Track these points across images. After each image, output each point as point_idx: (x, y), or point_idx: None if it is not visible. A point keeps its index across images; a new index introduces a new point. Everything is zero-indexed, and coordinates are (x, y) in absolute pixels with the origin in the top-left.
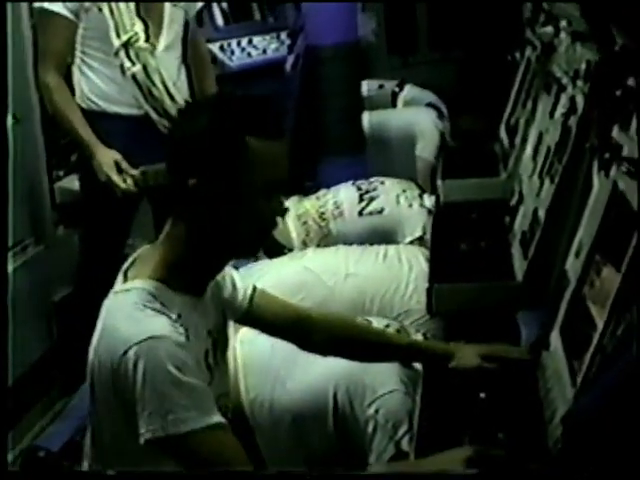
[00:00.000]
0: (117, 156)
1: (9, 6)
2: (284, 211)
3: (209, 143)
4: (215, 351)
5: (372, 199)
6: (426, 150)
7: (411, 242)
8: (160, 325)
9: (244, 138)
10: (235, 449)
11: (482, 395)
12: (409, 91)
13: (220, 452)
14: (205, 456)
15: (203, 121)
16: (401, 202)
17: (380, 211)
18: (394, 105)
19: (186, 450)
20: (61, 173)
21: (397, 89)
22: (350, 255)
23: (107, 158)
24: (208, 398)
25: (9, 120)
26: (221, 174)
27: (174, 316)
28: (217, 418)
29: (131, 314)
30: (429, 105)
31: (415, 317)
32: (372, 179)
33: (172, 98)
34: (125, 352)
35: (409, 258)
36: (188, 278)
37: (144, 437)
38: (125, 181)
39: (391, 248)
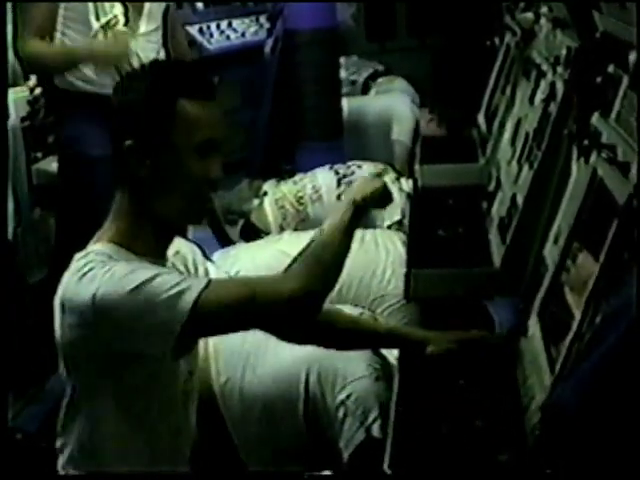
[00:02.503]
0: None
1: None
2: (219, 174)
3: (143, 106)
4: None
5: (350, 183)
6: (402, 134)
7: (390, 226)
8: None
9: (175, 100)
10: (240, 285)
11: (459, 382)
12: (381, 84)
13: (231, 294)
14: (226, 305)
15: (138, 86)
16: None
17: None
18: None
19: (207, 314)
20: (39, 155)
21: (370, 81)
22: None
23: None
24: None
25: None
26: (154, 135)
27: None
28: (203, 279)
29: (89, 272)
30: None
31: (391, 302)
32: (349, 163)
33: None
34: (93, 302)
35: (386, 243)
36: (145, 241)
37: (173, 334)
38: None
39: (368, 232)
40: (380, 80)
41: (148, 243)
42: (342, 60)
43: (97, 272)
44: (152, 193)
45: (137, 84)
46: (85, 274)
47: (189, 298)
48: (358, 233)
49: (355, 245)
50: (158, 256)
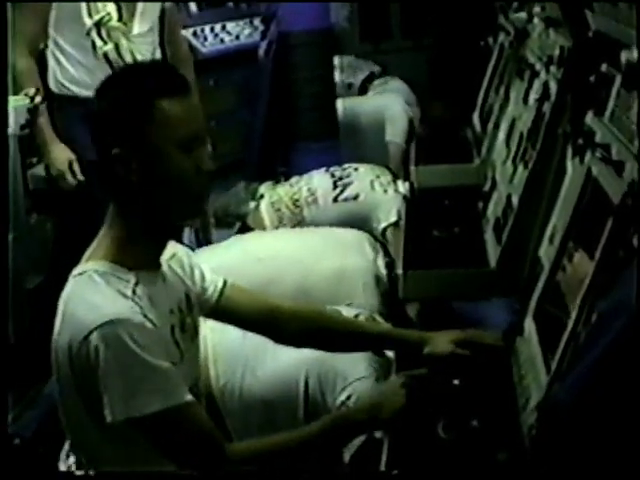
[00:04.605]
0: (71, 156)
1: None
2: (209, 164)
3: (122, 111)
4: (183, 328)
5: (346, 185)
6: (396, 135)
7: (386, 227)
8: (118, 307)
9: (152, 101)
10: (199, 426)
11: (455, 382)
12: (376, 86)
13: (184, 430)
14: (169, 435)
15: (114, 92)
16: (376, 188)
17: (355, 197)
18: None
19: (149, 430)
20: (34, 160)
21: (367, 84)
22: (291, 238)
23: (61, 156)
24: (171, 378)
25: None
26: (138, 138)
27: (129, 293)
28: (179, 398)
29: (88, 298)
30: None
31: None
32: (345, 165)
33: None
34: (86, 337)
35: (355, 246)
36: (138, 253)
37: (107, 418)
38: (75, 177)
39: (334, 232)
40: (376, 82)
41: (142, 255)
42: (336, 61)
43: (99, 301)
44: (145, 196)
45: (113, 90)
46: (87, 298)
47: (143, 411)
48: (324, 231)
49: (322, 243)
50: (152, 267)
